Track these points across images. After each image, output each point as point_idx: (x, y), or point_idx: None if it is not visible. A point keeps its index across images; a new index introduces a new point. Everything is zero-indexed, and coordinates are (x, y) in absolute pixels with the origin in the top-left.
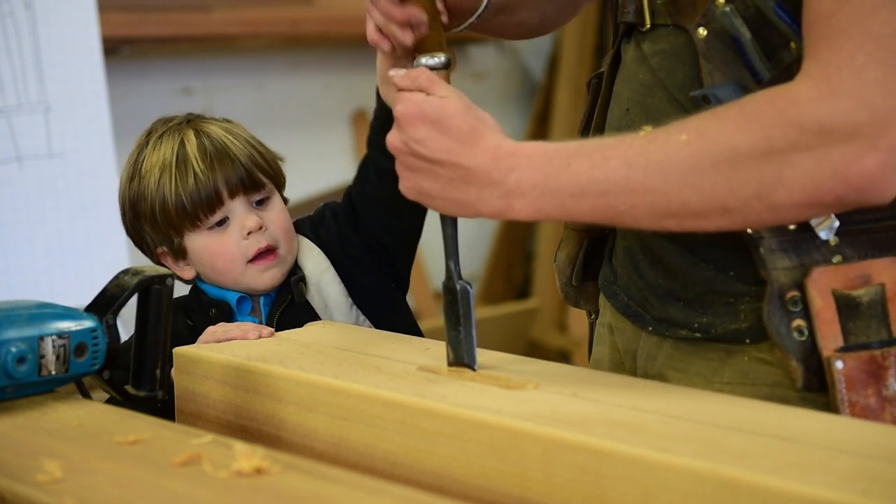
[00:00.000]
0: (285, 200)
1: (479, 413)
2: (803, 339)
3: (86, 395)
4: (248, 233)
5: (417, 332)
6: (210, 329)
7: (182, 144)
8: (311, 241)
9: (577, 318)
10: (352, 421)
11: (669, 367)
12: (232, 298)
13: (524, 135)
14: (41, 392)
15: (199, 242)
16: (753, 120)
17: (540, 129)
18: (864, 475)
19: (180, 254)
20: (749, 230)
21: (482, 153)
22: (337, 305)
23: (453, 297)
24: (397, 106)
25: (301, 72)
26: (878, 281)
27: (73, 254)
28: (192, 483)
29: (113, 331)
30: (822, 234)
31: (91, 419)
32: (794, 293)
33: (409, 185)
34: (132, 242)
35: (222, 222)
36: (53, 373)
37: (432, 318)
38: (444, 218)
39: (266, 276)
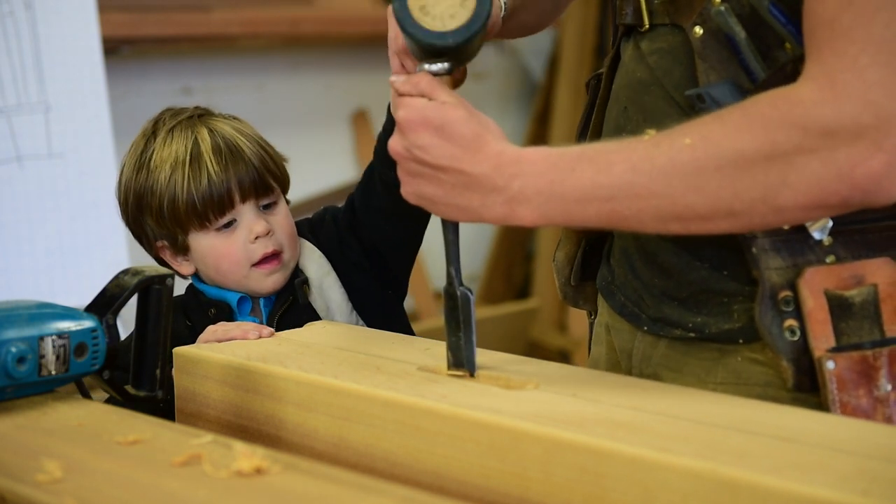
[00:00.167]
0: (287, 202)
1: (479, 413)
2: (795, 339)
3: (86, 395)
4: (256, 237)
5: None
6: (210, 329)
7: (196, 142)
8: (311, 242)
9: (577, 318)
10: (352, 421)
11: (664, 367)
12: (233, 299)
13: (524, 135)
14: (41, 392)
15: (205, 243)
16: (757, 123)
17: (540, 129)
18: (864, 475)
19: (182, 250)
20: None
21: (485, 160)
22: (339, 308)
23: (454, 303)
24: (399, 111)
25: (301, 72)
26: (870, 281)
27: (73, 254)
28: (192, 483)
29: (113, 331)
30: (816, 234)
31: (91, 419)
32: (786, 293)
33: (411, 190)
34: (129, 232)
35: (230, 224)
36: (53, 373)
37: (432, 318)
38: (445, 223)
39: (269, 281)
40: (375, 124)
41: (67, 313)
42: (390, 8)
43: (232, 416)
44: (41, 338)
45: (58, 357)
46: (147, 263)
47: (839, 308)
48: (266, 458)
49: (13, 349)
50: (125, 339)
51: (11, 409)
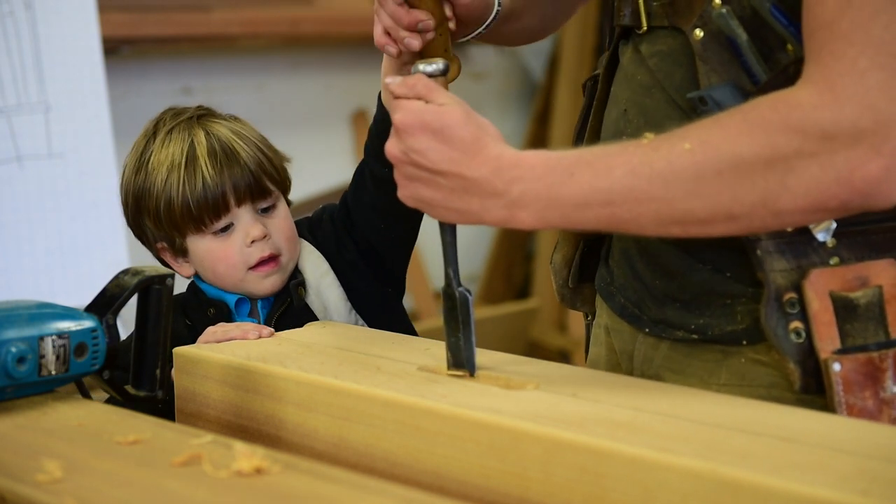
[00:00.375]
0: (288, 203)
1: (479, 413)
2: (801, 341)
3: (86, 395)
4: (252, 241)
5: (413, 335)
6: (210, 329)
7: (192, 145)
8: (310, 242)
9: (577, 319)
10: (352, 421)
11: (666, 369)
12: (231, 300)
13: (524, 135)
14: (41, 392)
15: (202, 246)
16: (756, 127)
17: (540, 129)
18: (864, 475)
19: (180, 252)
20: None
21: (484, 164)
22: (336, 309)
23: (452, 304)
24: (396, 114)
25: (301, 72)
26: (875, 283)
27: (73, 254)
28: (192, 483)
29: (113, 331)
30: (820, 236)
31: (91, 419)
32: (791, 295)
33: (408, 193)
34: (131, 232)
35: (226, 228)
36: (53, 373)
37: (432, 318)
38: (443, 225)
39: (266, 283)
40: None
41: (67, 313)
42: None
43: (232, 416)
44: (41, 338)
45: (58, 357)
46: (147, 263)
47: (844, 310)
48: (266, 458)
49: (13, 349)
50: (125, 339)
51: (11, 409)
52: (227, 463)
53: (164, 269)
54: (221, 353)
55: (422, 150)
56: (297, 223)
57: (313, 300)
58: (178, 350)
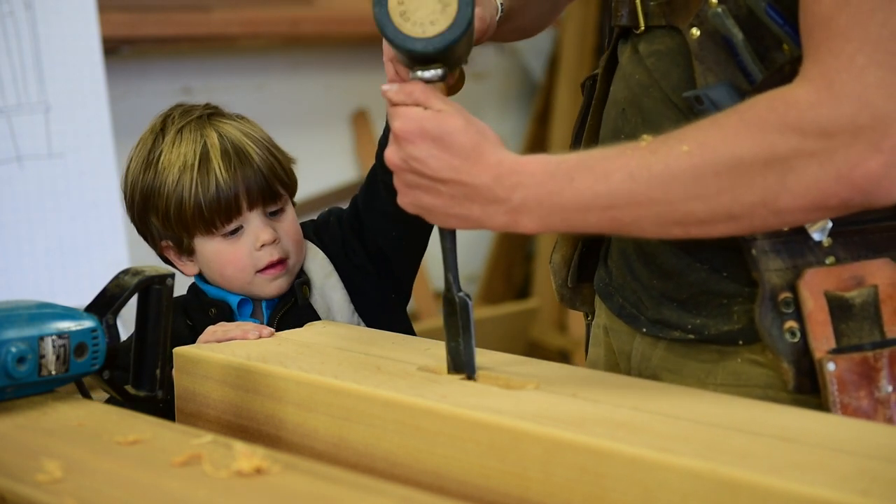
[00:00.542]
0: (293, 204)
1: (479, 413)
2: (795, 340)
3: (86, 395)
4: (262, 245)
5: None
6: (210, 329)
7: (205, 146)
8: (315, 244)
9: (577, 319)
10: (352, 421)
11: (663, 369)
12: (233, 301)
13: (524, 135)
14: (41, 392)
15: (211, 248)
16: (754, 126)
17: (540, 129)
18: (864, 475)
19: (187, 252)
20: None
21: (485, 171)
22: (340, 310)
23: (452, 309)
24: (394, 122)
25: (301, 72)
26: (870, 282)
27: (73, 254)
28: (192, 483)
29: (113, 331)
30: (816, 236)
31: (91, 419)
32: (786, 294)
33: (409, 201)
34: (133, 229)
35: (236, 231)
36: (53, 373)
37: (432, 318)
38: (442, 231)
39: (273, 286)
40: (375, 124)
41: (67, 313)
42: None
43: (232, 416)
44: (41, 338)
45: (58, 357)
46: (148, 263)
47: (839, 309)
48: (266, 458)
49: (13, 349)
50: (125, 340)
51: (11, 409)
52: (227, 463)
53: (164, 269)
54: (221, 353)
55: (422, 157)
56: (303, 225)
57: (317, 300)
58: (178, 350)
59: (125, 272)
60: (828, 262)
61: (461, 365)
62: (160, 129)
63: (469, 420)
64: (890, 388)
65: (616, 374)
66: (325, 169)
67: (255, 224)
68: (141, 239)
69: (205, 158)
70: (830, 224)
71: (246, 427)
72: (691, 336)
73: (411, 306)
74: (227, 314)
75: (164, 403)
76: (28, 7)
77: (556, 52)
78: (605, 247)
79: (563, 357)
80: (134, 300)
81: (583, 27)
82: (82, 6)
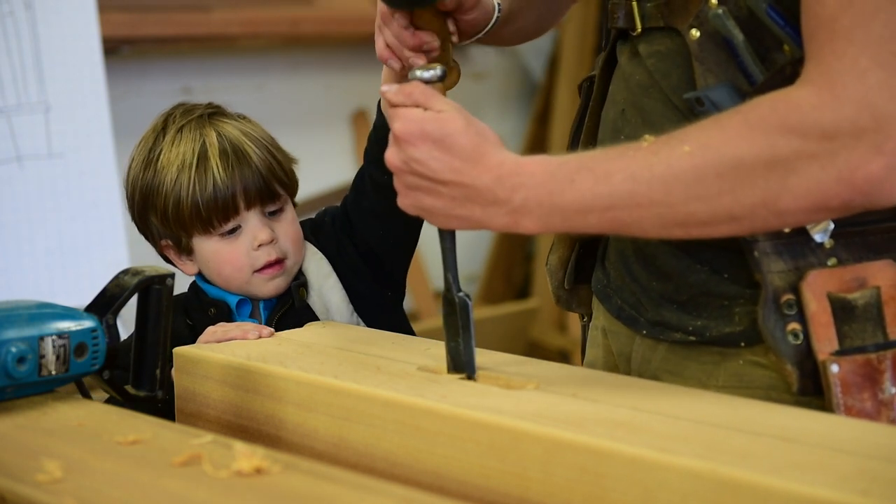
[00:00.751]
0: (294, 205)
1: (479, 413)
2: (798, 342)
3: (86, 395)
4: (259, 245)
5: None
6: (210, 329)
7: (204, 145)
8: (312, 244)
9: (577, 319)
10: (352, 421)
11: (664, 371)
12: (232, 301)
13: (524, 135)
14: (41, 392)
15: (209, 247)
16: (756, 128)
17: (540, 129)
18: (864, 475)
19: (186, 251)
20: None
21: (486, 172)
22: (338, 310)
23: (452, 309)
24: (394, 123)
25: (301, 72)
26: (873, 284)
27: (73, 254)
28: (192, 483)
29: (113, 331)
30: (817, 237)
31: (91, 419)
32: (788, 296)
33: (409, 202)
34: (134, 228)
35: (234, 230)
36: (53, 373)
37: (432, 318)
38: (442, 232)
39: (271, 285)
40: None
41: (67, 313)
42: None
43: (232, 416)
44: (41, 338)
45: (58, 357)
46: (148, 263)
47: (842, 311)
48: (266, 458)
49: (13, 349)
50: (125, 339)
51: (11, 409)
52: (227, 463)
53: (164, 269)
54: (221, 353)
55: (423, 159)
56: (301, 224)
57: (315, 301)
58: (178, 350)
59: (125, 272)
60: (830, 263)
61: (461, 365)
62: (161, 129)
63: (469, 420)
64: (894, 390)
65: (616, 374)
66: (325, 169)
67: (252, 224)
68: (141, 239)
69: (203, 157)
70: (832, 225)
71: (246, 427)
72: (692, 338)
73: (411, 306)
74: (227, 314)
75: (164, 403)
76: (28, 7)
77: (556, 52)
78: (603, 248)
79: (563, 357)
80: (134, 300)
81: (583, 27)
82: (82, 6)
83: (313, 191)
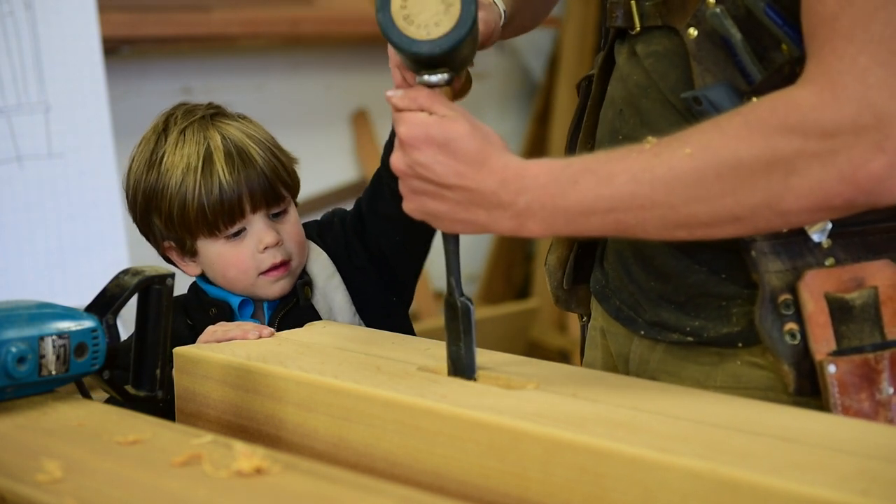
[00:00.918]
0: (296, 205)
1: (479, 413)
2: (796, 342)
3: (86, 395)
4: (265, 248)
5: None
6: (210, 329)
7: (209, 148)
8: (318, 245)
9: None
10: (352, 421)
11: (662, 372)
12: (235, 301)
13: (524, 135)
14: (41, 392)
15: (214, 250)
16: (756, 129)
17: (540, 129)
18: (864, 475)
19: (189, 253)
20: None
21: (490, 176)
22: (341, 311)
23: (454, 313)
24: (400, 127)
25: (301, 72)
26: (871, 284)
27: (73, 254)
28: (192, 483)
29: (113, 331)
30: (815, 237)
31: (91, 419)
32: (786, 296)
33: (414, 206)
34: (135, 228)
35: (239, 233)
36: (53, 373)
37: (432, 318)
38: (446, 235)
39: (275, 287)
40: (375, 124)
41: (67, 313)
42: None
43: (232, 416)
44: (41, 338)
45: (58, 357)
46: (148, 263)
47: (840, 311)
48: (266, 458)
49: (13, 349)
50: (125, 339)
51: (11, 409)
52: (227, 463)
53: (164, 269)
54: (221, 353)
55: (427, 163)
56: (305, 226)
57: (319, 301)
58: (178, 350)
59: (125, 272)
60: (828, 263)
61: (462, 368)
62: (162, 129)
63: (469, 420)
64: (891, 390)
65: (616, 374)
66: (325, 169)
67: (258, 226)
68: (141, 239)
69: (208, 160)
70: (830, 225)
71: (246, 427)
72: (690, 338)
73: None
74: (228, 314)
75: (164, 403)
76: (28, 7)
77: (556, 52)
78: (601, 249)
79: (563, 357)
80: (134, 300)
81: (583, 27)
82: (82, 6)
83: (313, 191)
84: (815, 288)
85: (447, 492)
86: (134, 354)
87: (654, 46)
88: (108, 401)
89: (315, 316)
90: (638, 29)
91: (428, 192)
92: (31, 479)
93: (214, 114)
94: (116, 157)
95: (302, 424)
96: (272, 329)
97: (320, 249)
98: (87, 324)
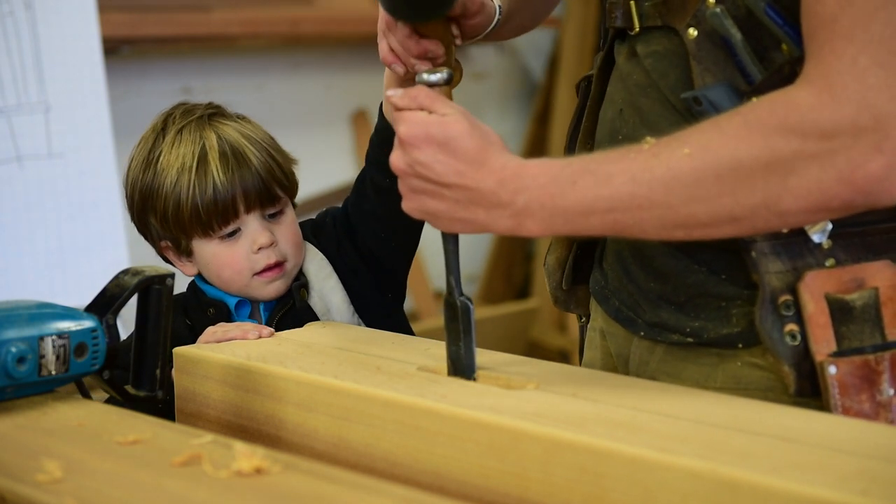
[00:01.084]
0: (294, 206)
1: (479, 413)
2: (796, 343)
3: (86, 395)
4: (259, 248)
5: None
6: (210, 329)
7: (203, 147)
8: (313, 244)
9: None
10: (352, 421)
11: (662, 373)
12: (231, 302)
13: (524, 135)
14: (41, 392)
15: (208, 250)
16: (755, 129)
17: (540, 129)
18: (864, 475)
19: (185, 253)
20: None
21: (489, 175)
22: (339, 311)
23: (454, 313)
24: (400, 126)
25: (301, 72)
26: (871, 284)
27: (73, 254)
28: (192, 483)
29: (113, 331)
30: (815, 238)
31: (91, 419)
32: (786, 297)
33: (414, 206)
34: (133, 228)
35: (233, 233)
36: (53, 373)
37: (432, 318)
38: (445, 235)
39: (270, 288)
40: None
41: (67, 313)
42: None
43: (232, 416)
44: (41, 338)
45: (58, 357)
46: (148, 263)
47: (840, 312)
48: (266, 458)
49: (13, 349)
50: (125, 339)
51: (11, 409)
52: (227, 463)
53: (164, 269)
54: (221, 353)
55: (427, 162)
56: (301, 225)
57: (316, 302)
58: (178, 350)
59: (125, 272)
60: (828, 264)
61: (462, 369)
62: (161, 129)
63: (469, 420)
64: (891, 392)
65: (616, 374)
66: (325, 169)
67: (252, 227)
68: (141, 239)
69: (203, 160)
70: (830, 226)
71: (246, 427)
72: (690, 339)
73: (411, 307)
74: (226, 315)
75: (164, 403)
76: (28, 7)
77: (556, 52)
78: (601, 249)
79: (563, 357)
80: (134, 300)
81: (583, 27)
82: (82, 6)
83: (313, 191)
84: (816, 289)
85: (447, 492)
86: (134, 354)
87: (653, 46)
88: (108, 401)
89: (312, 317)
90: (637, 29)
91: (427, 190)
92: (31, 479)
93: (213, 114)
94: (116, 157)
95: (302, 424)
96: (272, 329)
97: (316, 250)
98: (87, 324)
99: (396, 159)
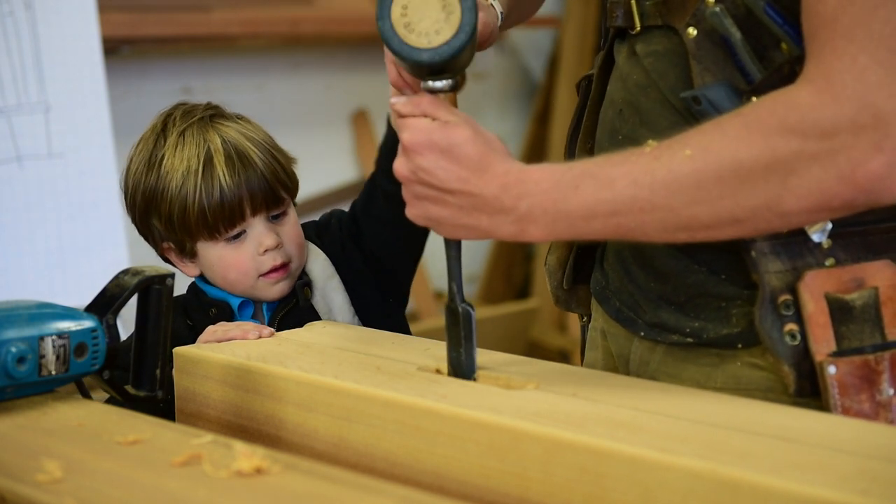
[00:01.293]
0: (294, 205)
1: (479, 413)
2: (796, 343)
3: (86, 395)
4: (265, 250)
5: None
6: (210, 329)
7: (208, 150)
8: (316, 245)
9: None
10: (352, 421)
11: (662, 373)
12: (234, 302)
13: (524, 135)
14: (41, 392)
15: (214, 253)
16: (755, 130)
17: (540, 129)
18: (864, 475)
19: (189, 255)
20: None
21: (492, 181)
22: (340, 311)
23: (455, 319)
24: (403, 133)
25: (301, 72)
26: (871, 284)
27: (73, 254)
28: (192, 483)
29: (113, 331)
30: (815, 237)
31: (91, 419)
32: (786, 297)
33: (417, 212)
34: (134, 228)
35: (239, 235)
36: (53, 373)
37: (432, 318)
38: (448, 241)
39: (275, 289)
40: (375, 124)
41: (67, 313)
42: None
43: (232, 416)
44: (41, 338)
45: (58, 357)
46: (148, 263)
47: (840, 311)
48: (266, 458)
49: (13, 349)
50: (125, 339)
51: (11, 409)
52: (227, 463)
53: (164, 269)
54: (221, 353)
55: (430, 169)
56: (304, 226)
57: (318, 301)
58: (178, 350)
59: (125, 272)
60: (828, 263)
61: (462, 374)
62: (161, 130)
63: (469, 420)
64: (891, 391)
65: (616, 374)
66: (325, 169)
67: (258, 229)
68: (141, 239)
69: (209, 163)
70: (830, 225)
71: (246, 427)
72: (690, 340)
73: (411, 306)
74: (228, 314)
75: (164, 403)
76: (28, 7)
77: (556, 52)
78: (601, 250)
79: (563, 357)
80: (134, 300)
81: (583, 27)
82: (82, 6)
83: (313, 191)
84: (816, 288)
85: (447, 492)
86: (134, 354)
87: (653, 46)
88: (108, 401)
89: (315, 316)
90: (638, 28)
91: (430, 197)
92: (31, 479)
93: (213, 115)
94: (116, 157)
95: (302, 424)
96: (272, 329)
97: (319, 250)
98: (87, 324)
99: (400, 166)
